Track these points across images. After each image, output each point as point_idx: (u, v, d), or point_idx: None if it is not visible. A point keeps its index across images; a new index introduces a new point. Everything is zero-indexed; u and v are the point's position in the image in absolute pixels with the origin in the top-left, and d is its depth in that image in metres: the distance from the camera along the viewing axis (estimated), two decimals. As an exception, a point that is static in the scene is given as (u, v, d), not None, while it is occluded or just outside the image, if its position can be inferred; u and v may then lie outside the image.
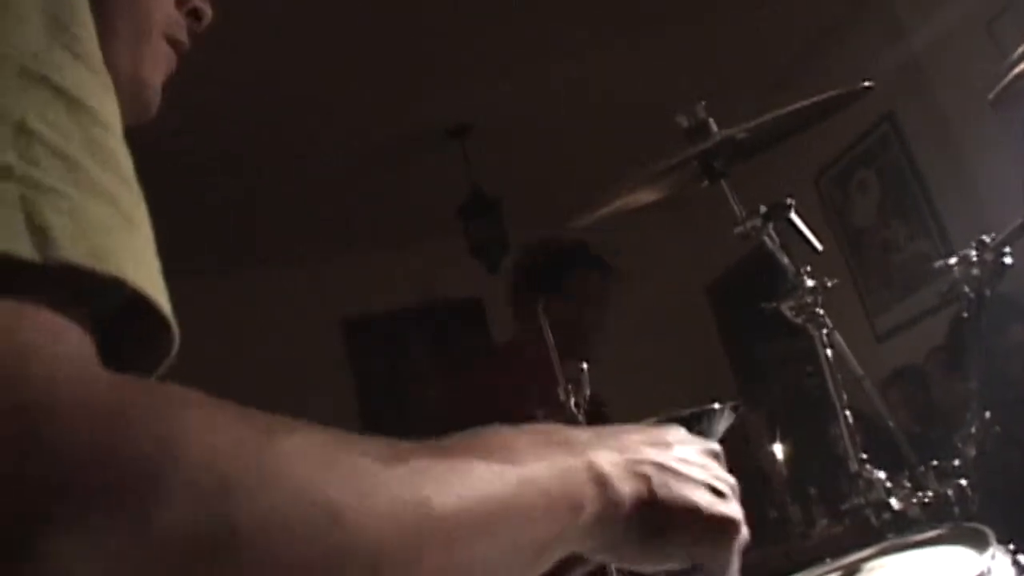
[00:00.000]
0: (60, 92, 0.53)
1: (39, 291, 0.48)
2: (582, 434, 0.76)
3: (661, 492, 0.78)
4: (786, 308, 1.74)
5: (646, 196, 1.98)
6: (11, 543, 0.42)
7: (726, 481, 0.84)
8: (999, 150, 4.58)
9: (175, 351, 0.59)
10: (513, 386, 3.06)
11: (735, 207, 1.78)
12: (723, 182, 1.81)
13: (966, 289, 1.69)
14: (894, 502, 1.63)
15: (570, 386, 1.54)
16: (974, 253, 1.67)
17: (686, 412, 1.52)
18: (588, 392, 1.55)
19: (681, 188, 1.97)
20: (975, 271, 1.67)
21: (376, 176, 5.62)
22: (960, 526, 1.15)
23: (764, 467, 4.33)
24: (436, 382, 5.92)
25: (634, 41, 4.94)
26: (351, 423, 5.94)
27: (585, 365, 1.53)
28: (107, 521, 0.43)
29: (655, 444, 0.81)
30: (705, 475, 0.83)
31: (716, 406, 1.75)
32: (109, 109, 0.57)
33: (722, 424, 1.08)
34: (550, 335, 1.62)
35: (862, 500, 1.66)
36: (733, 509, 0.83)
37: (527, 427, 0.73)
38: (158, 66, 0.85)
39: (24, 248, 0.47)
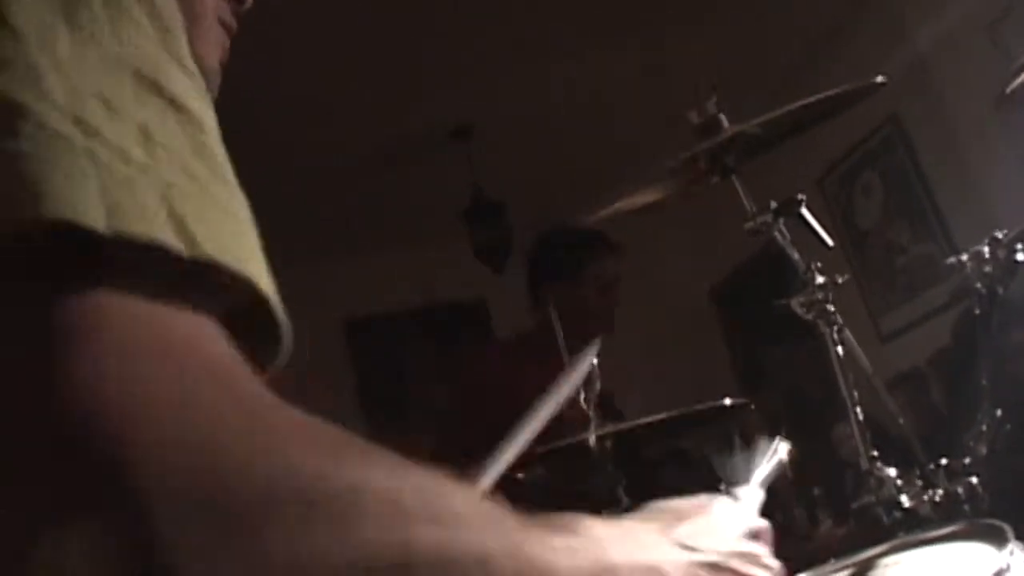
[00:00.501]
0: (170, 99, 0.53)
1: (179, 287, 0.48)
2: (648, 535, 0.79)
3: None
4: (796, 304, 1.73)
5: (654, 194, 1.98)
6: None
7: (773, 571, 0.88)
8: (1003, 152, 4.58)
9: (285, 356, 0.61)
10: (521, 380, 3.05)
11: (746, 202, 1.77)
12: (734, 178, 1.80)
13: (978, 285, 1.68)
14: (905, 500, 1.62)
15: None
16: (987, 250, 1.66)
17: (700, 407, 1.53)
18: (599, 386, 1.54)
19: (691, 185, 1.96)
20: (987, 268, 1.66)
21: (379, 177, 5.61)
22: (977, 522, 1.14)
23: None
24: (441, 379, 5.92)
25: (637, 41, 4.93)
26: (352, 424, 5.94)
27: (595, 360, 1.52)
28: (300, 549, 0.44)
29: (706, 534, 0.84)
30: (755, 570, 0.86)
31: (727, 402, 1.75)
32: (207, 112, 0.58)
33: (766, 469, 1.07)
34: (559, 328, 1.61)
35: (873, 498, 1.65)
36: (764, 568, 0.87)
37: (609, 523, 0.74)
38: (215, 48, 0.87)
39: (174, 240, 0.47)
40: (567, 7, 4.53)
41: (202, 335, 0.49)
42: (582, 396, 1.54)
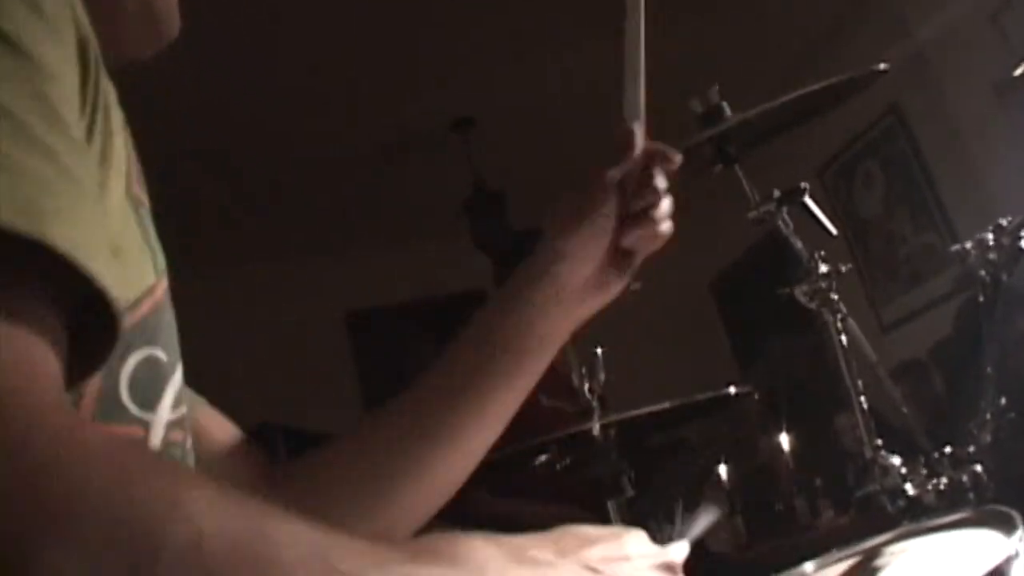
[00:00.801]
0: (6, 40, 0.51)
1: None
2: (544, 553, 0.77)
3: None
4: (800, 293, 1.73)
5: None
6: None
7: (666, 556, 0.86)
8: (1004, 141, 4.57)
9: (121, 331, 0.56)
10: None
11: (749, 191, 1.77)
12: (736, 167, 1.80)
13: (982, 273, 1.68)
14: (909, 488, 1.62)
15: (584, 371, 1.53)
16: (991, 237, 1.66)
17: (703, 397, 1.52)
18: (603, 377, 1.54)
19: (693, 174, 1.96)
20: (991, 255, 1.66)
21: (379, 170, 5.61)
22: (985, 509, 1.13)
23: (769, 459, 4.32)
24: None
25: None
26: (354, 418, 5.94)
27: (599, 351, 1.52)
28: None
29: (615, 560, 0.82)
30: (645, 557, 0.85)
31: (732, 391, 1.74)
32: (56, 58, 0.55)
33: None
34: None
35: (877, 487, 1.65)
36: None
37: (495, 539, 0.73)
38: None
39: None
40: (567, -2, 4.52)
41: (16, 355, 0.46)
42: (586, 386, 1.54)
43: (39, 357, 0.48)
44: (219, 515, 0.49)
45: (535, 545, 0.78)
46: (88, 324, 0.53)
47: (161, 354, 0.74)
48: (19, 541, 0.42)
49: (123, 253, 0.60)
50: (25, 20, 0.52)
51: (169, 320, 0.77)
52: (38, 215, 0.47)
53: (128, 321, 0.65)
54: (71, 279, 0.50)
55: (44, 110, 0.51)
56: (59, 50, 0.55)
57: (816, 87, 1.69)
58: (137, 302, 0.69)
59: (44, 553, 0.42)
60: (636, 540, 0.86)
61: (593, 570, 0.79)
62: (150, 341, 0.72)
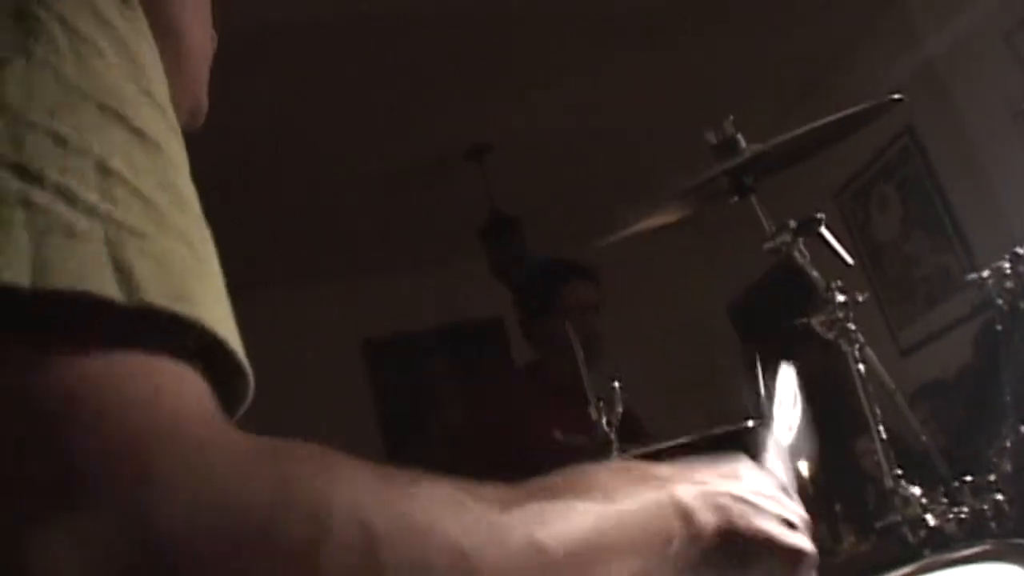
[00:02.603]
0: (136, 132, 0.53)
1: (126, 334, 0.47)
2: (662, 470, 0.81)
3: (739, 523, 0.82)
4: (817, 323, 1.73)
5: (673, 214, 1.98)
6: None
7: (797, 514, 0.90)
8: (1020, 162, 4.56)
9: (250, 396, 0.60)
10: (535, 407, 3.05)
11: (764, 222, 1.77)
12: (752, 197, 1.80)
13: (999, 301, 1.68)
14: (930, 519, 1.61)
15: (602, 404, 1.53)
16: (1008, 265, 1.65)
17: (720, 431, 1.51)
18: (620, 410, 1.54)
19: (709, 205, 1.96)
20: (1009, 283, 1.65)
21: (395, 197, 5.62)
22: (1007, 542, 1.13)
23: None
24: (458, 405, 5.92)
25: (651, 59, 4.93)
26: (371, 444, 5.94)
27: (617, 384, 1.52)
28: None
29: (728, 477, 0.86)
30: (778, 508, 0.88)
31: (749, 424, 1.73)
32: (177, 147, 0.57)
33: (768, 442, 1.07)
34: (581, 352, 1.61)
35: (898, 517, 1.64)
36: (805, 541, 0.89)
37: (612, 464, 0.78)
38: (203, 87, 0.87)
39: (111, 290, 0.46)
40: (582, 25, 4.53)
41: (155, 383, 0.48)
42: (604, 420, 1.54)
43: (194, 384, 0.50)
44: (365, 488, 0.51)
45: (650, 464, 0.82)
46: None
47: None
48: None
49: None
50: (151, 115, 0.55)
51: None
52: (188, 298, 0.50)
53: None
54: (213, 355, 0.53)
55: (175, 198, 0.54)
56: (178, 141, 0.58)
57: (830, 119, 1.69)
58: None
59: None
60: (743, 462, 0.91)
61: (712, 485, 0.83)
62: None
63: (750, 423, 1.52)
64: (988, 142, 4.77)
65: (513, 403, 3.14)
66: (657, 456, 1.71)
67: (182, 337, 0.50)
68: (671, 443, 1.42)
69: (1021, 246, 1.68)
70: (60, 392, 0.44)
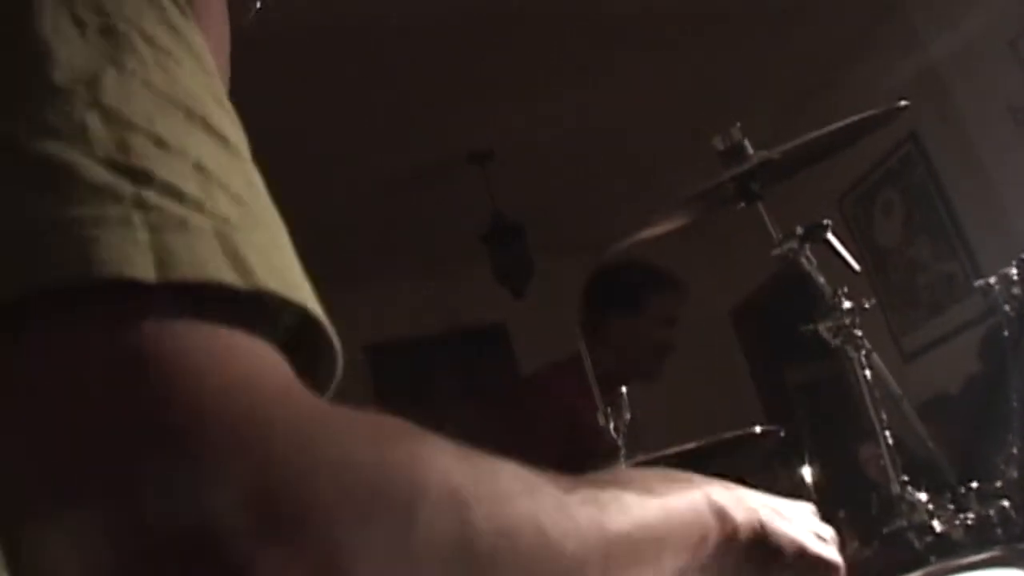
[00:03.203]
0: (219, 136, 0.56)
1: (243, 319, 0.50)
2: (693, 475, 0.82)
3: (771, 527, 0.84)
4: (824, 329, 1.73)
5: (679, 220, 1.98)
6: (249, 547, 0.43)
7: (827, 530, 0.92)
8: (1023, 167, 4.57)
9: (339, 374, 0.62)
10: (553, 414, 3.04)
11: (771, 228, 1.78)
12: (760, 204, 1.81)
13: (1006, 308, 1.68)
14: (937, 525, 1.61)
15: (610, 410, 1.53)
16: (1015, 272, 1.65)
17: (730, 435, 1.52)
18: (628, 416, 1.54)
19: (715, 211, 1.96)
20: (1016, 290, 1.65)
21: (398, 202, 5.63)
22: (1013, 548, 1.13)
23: (792, 492, 4.30)
24: (467, 413, 5.92)
25: (654, 64, 4.94)
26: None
27: (624, 389, 1.52)
28: (366, 540, 0.46)
29: (755, 492, 0.88)
30: (809, 521, 0.91)
31: (757, 429, 1.74)
32: (245, 145, 0.60)
33: None
34: (588, 359, 1.62)
35: (904, 523, 1.64)
36: (835, 554, 0.91)
37: (648, 469, 0.78)
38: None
39: (229, 276, 0.49)
40: (585, 31, 4.54)
41: (266, 362, 0.50)
42: (611, 425, 1.54)
43: (268, 356, 0.52)
44: (452, 463, 0.53)
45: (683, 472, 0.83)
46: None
47: None
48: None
49: None
50: (226, 120, 0.58)
51: None
52: (292, 284, 0.54)
53: None
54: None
55: (259, 195, 0.58)
56: (247, 144, 0.61)
57: (839, 124, 1.69)
58: None
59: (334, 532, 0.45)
60: (797, 508, 0.92)
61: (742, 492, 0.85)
62: None
63: (757, 428, 1.52)
64: (992, 148, 4.77)
65: (530, 410, 3.12)
66: (664, 461, 1.72)
67: (275, 322, 0.53)
68: (679, 448, 1.42)
69: (1026, 253, 1.68)
70: (191, 365, 0.47)
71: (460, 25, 4.32)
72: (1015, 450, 1.69)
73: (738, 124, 1.81)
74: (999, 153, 4.72)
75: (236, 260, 0.50)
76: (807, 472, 4.01)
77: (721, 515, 0.78)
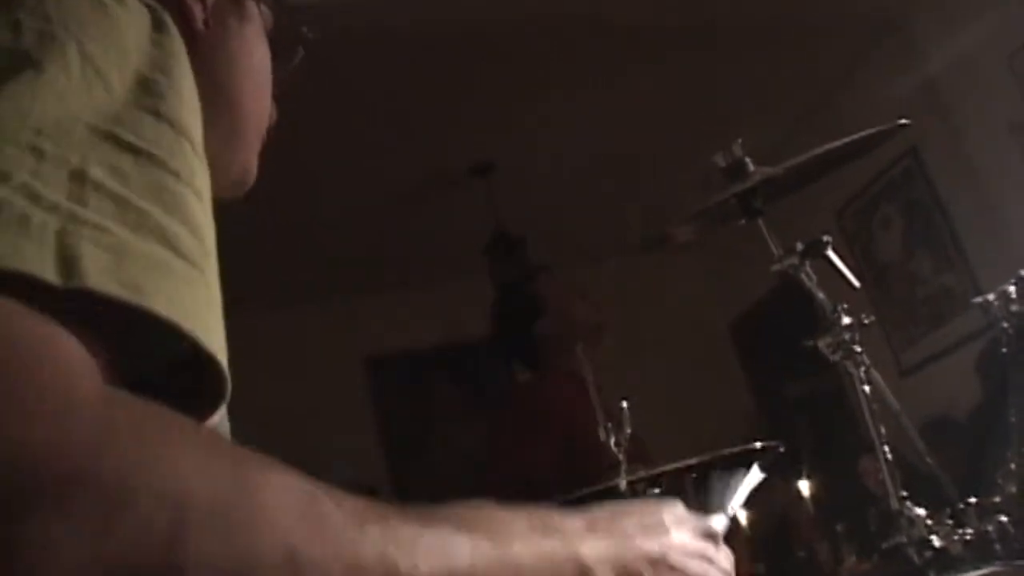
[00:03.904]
0: (128, 146, 0.58)
1: (60, 315, 0.51)
2: (576, 522, 0.77)
3: None
4: (823, 345, 1.74)
5: (680, 236, 1.99)
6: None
7: (721, 569, 0.87)
8: (1022, 182, 4.58)
9: (227, 396, 0.61)
10: (551, 419, 3.04)
11: (772, 244, 1.78)
12: (760, 220, 1.82)
13: (1005, 325, 1.69)
14: (935, 540, 1.62)
15: (610, 424, 1.54)
16: (1013, 289, 1.66)
17: (729, 452, 1.52)
18: (629, 431, 1.54)
19: (717, 227, 1.97)
20: (1015, 307, 1.66)
21: (399, 215, 5.63)
22: (1012, 564, 1.14)
23: (790, 505, 4.30)
24: (463, 425, 5.92)
25: (655, 79, 4.95)
26: (375, 462, 5.93)
27: (625, 404, 1.53)
28: (71, 531, 0.45)
29: (652, 531, 0.83)
30: (700, 568, 0.85)
31: (758, 445, 1.74)
32: (186, 165, 0.61)
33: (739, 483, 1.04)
34: (590, 373, 1.62)
35: (903, 538, 1.65)
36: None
37: (523, 509, 0.73)
38: (254, 155, 1.01)
39: (48, 272, 0.50)
40: (587, 45, 4.55)
41: (55, 347, 0.51)
42: (612, 440, 1.54)
43: (66, 337, 0.52)
44: (203, 469, 0.51)
45: (564, 514, 0.77)
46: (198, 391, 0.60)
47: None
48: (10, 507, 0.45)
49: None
50: (156, 134, 0.60)
51: (226, 425, 0.83)
52: (142, 289, 0.54)
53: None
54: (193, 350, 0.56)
55: (171, 207, 0.59)
56: (196, 162, 0.63)
57: (841, 142, 1.70)
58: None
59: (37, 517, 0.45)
60: (673, 510, 0.87)
61: (629, 546, 0.80)
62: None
63: (758, 444, 1.53)
64: (991, 163, 4.79)
65: (560, 405, 3.12)
66: (662, 478, 1.72)
67: (162, 340, 0.54)
68: (677, 464, 1.42)
69: (1025, 269, 1.69)
70: None
71: (462, 38, 4.34)
72: (1013, 466, 1.70)
73: (739, 140, 1.82)
74: (998, 168, 4.74)
75: (67, 260, 0.51)
76: (805, 486, 4.03)
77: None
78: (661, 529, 0.83)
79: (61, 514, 0.45)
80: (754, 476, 0.98)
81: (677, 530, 0.85)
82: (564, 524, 0.76)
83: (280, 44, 1.04)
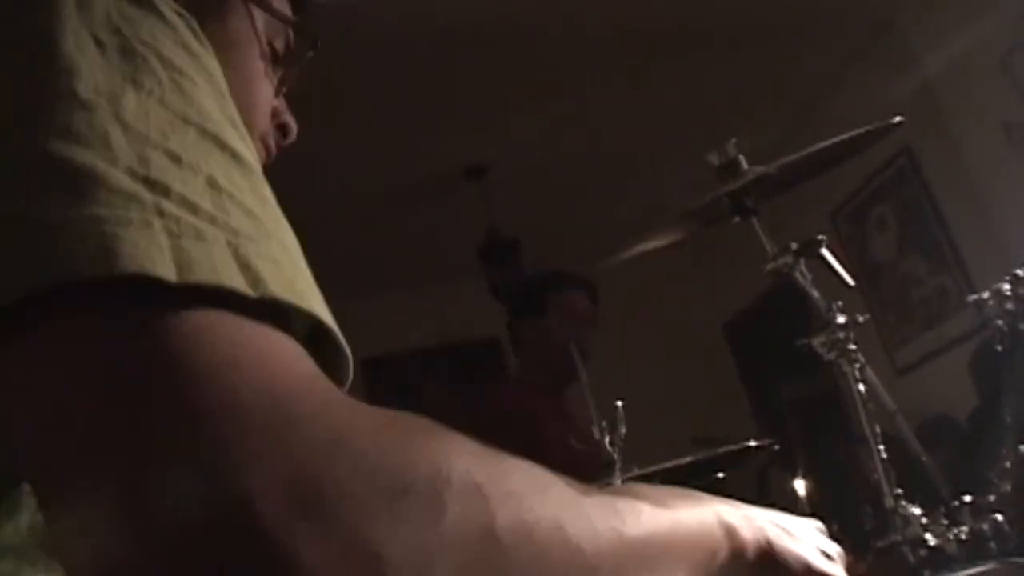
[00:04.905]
0: (232, 154, 0.59)
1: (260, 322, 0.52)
2: (700, 493, 0.83)
3: (778, 545, 0.86)
4: (818, 344, 1.74)
5: (674, 236, 1.99)
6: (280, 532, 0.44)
7: (833, 547, 0.95)
8: (1016, 183, 4.59)
9: (350, 379, 0.64)
10: (529, 414, 3.04)
11: (766, 243, 1.78)
12: (754, 219, 1.81)
13: (999, 323, 1.68)
14: (930, 538, 1.62)
15: (605, 423, 1.53)
16: (1007, 287, 1.66)
17: (723, 450, 1.52)
18: (624, 430, 1.54)
19: (711, 227, 1.97)
20: (1009, 305, 1.66)
21: (393, 217, 5.64)
22: (1007, 562, 1.14)
23: (785, 504, 4.30)
24: (457, 418, 5.90)
25: (650, 81, 4.95)
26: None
27: (620, 403, 1.53)
28: (394, 527, 0.47)
29: (764, 512, 0.89)
30: (816, 538, 0.93)
31: (752, 444, 1.75)
32: (257, 161, 0.62)
33: None
34: (584, 371, 1.62)
35: (898, 537, 1.65)
36: (841, 571, 0.94)
37: (658, 486, 0.79)
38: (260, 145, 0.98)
39: (241, 284, 0.51)
40: (581, 48, 4.56)
41: (290, 356, 0.52)
42: (607, 439, 1.54)
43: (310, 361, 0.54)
44: (471, 458, 0.54)
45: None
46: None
47: None
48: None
49: None
50: (239, 139, 0.61)
51: None
52: (300, 294, 0.56)
53: None
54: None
55: (270, 211, 0.60)
56: (259, 162, 0.63)
57: (834, 140, 1.70)
58: None
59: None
60: (807, 523, 0.94)
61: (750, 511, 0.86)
62: None
63: (752, 443, 1.53)
64: (984, 163, 4.80)
65: (510, 413, 3.11)
66: (659, 475, 1.72)
67: (287, 332, 0.55)
68: (674, 463, 1.42)
69: (1020, 267, 1.69)
70: (220, 357, 0.49)
71: (457, 41, 4.34)
72: (1008, 464, 1.70)
73: (733, 140, 1.82)
74: (991, 168, 4.75)
75: (247, 270, 0.52)
76: (800, 485, 4.02)
77: (730, 532, 0.80)
78: (772, 514, 0.90)
79: (392, 517, 0.47)
80: None
81: (785, 516, 0.92)
82: (696, 493, 0.82)
83: (287, 46, 1.06)
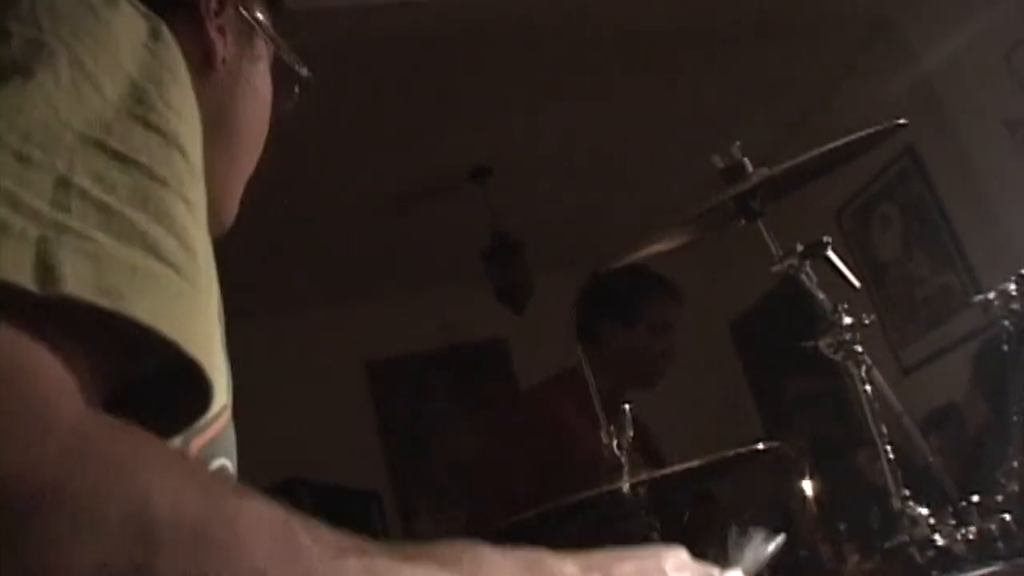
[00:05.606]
0: (115, 154, 0.58)
1: (42, 324, 0.51)
2: (570, 567, 0.73)
3: None
4: (824, 345, 1.74)
5: (679, 238, 1.99)
6: None
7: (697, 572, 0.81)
8: (1020, 181, 4.58)
9: (211, 407, 0.62)
10: (539, 430, 3.01)
11: (771, 245, 1.78)
12: (760, 221, 1.82)
13: (1006, 323, 1.69)
14: (938, 539, 1.62)
15: (613, 428, 1.53)
16: (1013, 287, 1.67)
17: (731, 453, 1.53)
18: (631, 434, 1.54)
19: (716, 229, 1.97)
20: (1015, 305, 1.67)
21: (398, 219, 5.63)
22: (1014, 563, 1.14)
23: (793, 505, 4.29)
24: (463, 420, 5.92)
25: (653, 81, 4.95)
26: (375, 465, 5.93)
27: (627, 407, 1.53)
28: (38, 553, 0.45)
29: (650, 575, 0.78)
30: None
31: (760, 446, 1.75)
32: (175, 173, 0.62)
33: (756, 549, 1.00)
34: (591, 375, 1.62)
35: (906, 537, 1.65)
36: None
37: (517, 551, 0.70)
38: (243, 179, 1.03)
39: (27, 280, 0.51)
40: (585, 48, 4.55)
41: (31, 359, 0.51)
42: (614, 443, 1.54)
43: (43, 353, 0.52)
44: (176, 494, 0.50)
45: (557, 558, 0.73)
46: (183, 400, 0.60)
47: (229, 464, 0.81)
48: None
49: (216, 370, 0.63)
50: (145, 143, 0.61)
51: (231, 432, 0.82)
52: (122, 295, 0.54)
53: (207, 435, 0.72)
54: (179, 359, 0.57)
55: (157, 215, 0.59)
56: (187, 175, 0.64)
57: (839, 143, 1.70)
58: (215, 417, 0.75)
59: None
60: (676, 557, 0.81)
61: None
62: (223, 454, 0.79)
63: (760, 445, 1.53)
64: (988, 161, 4.79)
65: (544, 421, 3.02)
66: (667, 478, 1.73)
67: (151, 351, 0.55)
68: (683, 466, 1.42)
69: (1024, 268, 1.69)
70: None
71: (460, 43, 4.34)
72: (1016, 464, 1.70)
73: (738, 143, 1.82)
74: (995, 166, 4.74)
75: (46, 267, 0.51)
76: (808, 486, 4.01)
77: None
78: (658, 572, 0.79)
79: (28, 536, 0.45)
80: (776, 543, 0.94)
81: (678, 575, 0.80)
82: (557, 568, 0.72)
83: (279, 81, 1.10)
